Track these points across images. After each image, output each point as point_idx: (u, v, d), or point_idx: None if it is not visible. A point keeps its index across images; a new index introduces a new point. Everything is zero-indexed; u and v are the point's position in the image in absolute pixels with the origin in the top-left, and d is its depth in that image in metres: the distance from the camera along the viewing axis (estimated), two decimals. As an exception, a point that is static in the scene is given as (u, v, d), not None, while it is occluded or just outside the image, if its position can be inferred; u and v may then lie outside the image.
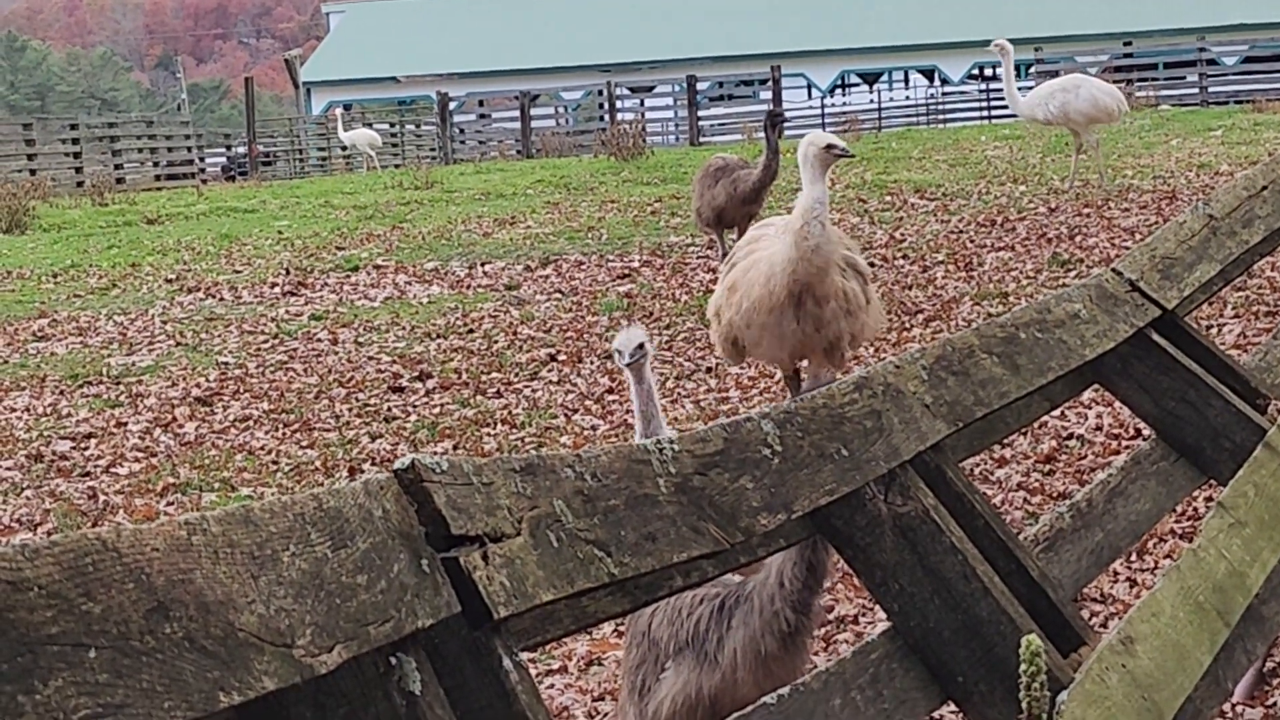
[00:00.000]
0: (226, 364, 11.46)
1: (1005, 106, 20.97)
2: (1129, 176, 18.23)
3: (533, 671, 3.21)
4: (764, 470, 2.74)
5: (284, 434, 9.43)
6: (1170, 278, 4.41)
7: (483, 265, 15.26)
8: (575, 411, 9.53)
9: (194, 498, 8.20)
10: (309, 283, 14.86)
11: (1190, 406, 4.10)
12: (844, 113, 42.49)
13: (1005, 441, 6.96)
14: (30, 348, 12.49)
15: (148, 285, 15.28)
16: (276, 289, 14.59)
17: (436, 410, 9.77)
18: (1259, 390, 4.35)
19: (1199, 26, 46.74)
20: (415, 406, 9.91)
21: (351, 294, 14.22)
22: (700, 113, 37.99)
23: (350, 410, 9.88)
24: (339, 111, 39.86)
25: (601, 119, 40.21)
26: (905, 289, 12.43)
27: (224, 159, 44.32)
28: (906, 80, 56.05)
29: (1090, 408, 8.34)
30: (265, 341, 12.25)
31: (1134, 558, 6.14)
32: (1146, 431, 4.53)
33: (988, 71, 49.19)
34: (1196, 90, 37.73)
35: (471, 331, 12.16)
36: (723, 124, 39.76)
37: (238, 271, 15.85)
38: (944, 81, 52.77)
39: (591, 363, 10.70)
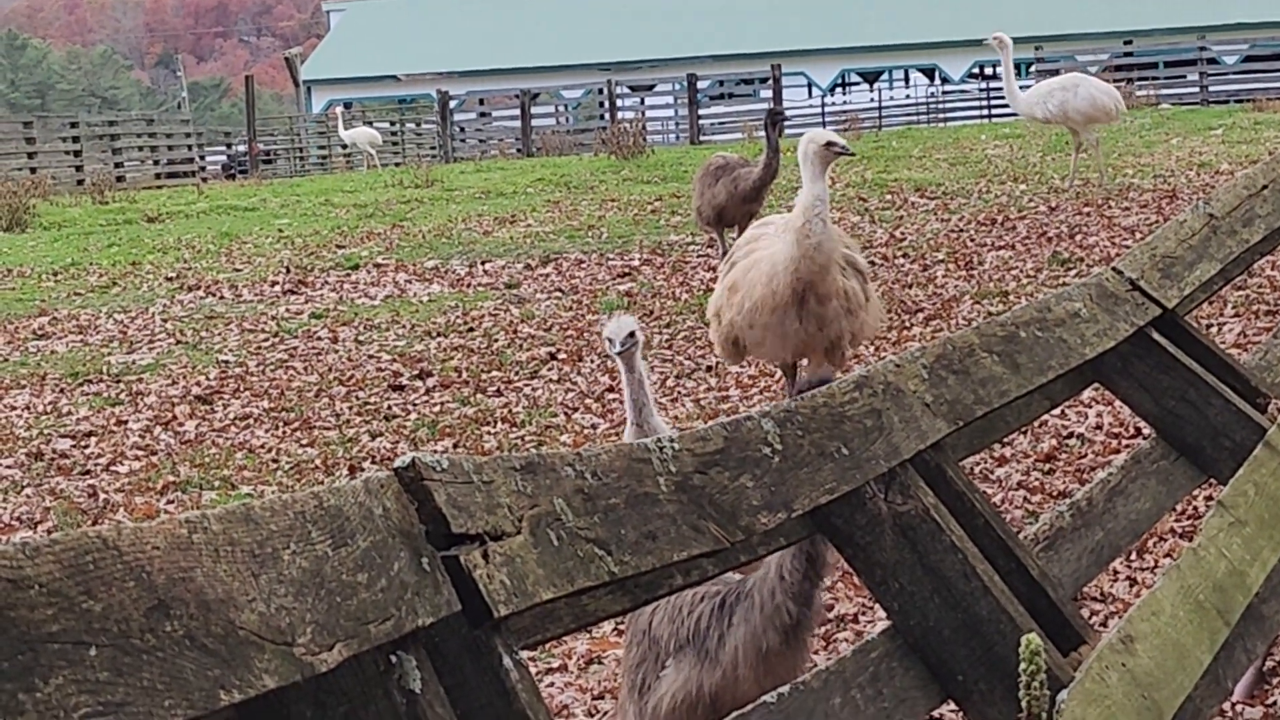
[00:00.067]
0: (227, 362, 11.46)
1: (1006, 105, 20.95)
2: (1129, 175, 18.23)
3: (533, 670, 3.21)
4: (764, 469, 2.74)
5: (284, 432, 9.43)
6: (1171, 277, 4.41)
7: (483, 264, 15.26)
8: (575, 410, 9.53)
9: (194, 496, 8.20)
10: (309, 281, 14.86)
11: (1190, 405, 4.10)
12: (844, 111, 42.47)
13: (1005, 440, 6.96)
14: (30, 346, 12.49)
15: (148, 283, 15.28)
16: (277, 287, 14.59)
17: (437, 409, 9.77)
18: (1259, 389, 4.36)
19: (1199, 25, 46.73)
20: (415, 405, 9.91)
21: (352, 292, 14.22)
22: (700, 111, 37.98)
23: (350, 408, 9.88)
24: (339, 110, 39.86)
25: (602, 117, 40.21)
26: (905, 288, 12.43)
27: (224, 157, 44.29)
28: (907, 79, 56.04)
29: (1090, 406, 8.34)
30: (265, 340, 12.25)
31: (1134, 556, 6.14)
32: (1147, 430, 4.53)
33: (988, 70, 49.17)
34: (1197, 89, 37.73)
35: (472, 330, 12.16)
36: (723, 123, 39.74)
37: (238, 270, 15.85)
38: (944, 80, 52.76)
39: (592, 361, 10.70)
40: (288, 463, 8.74)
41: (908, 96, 52.07)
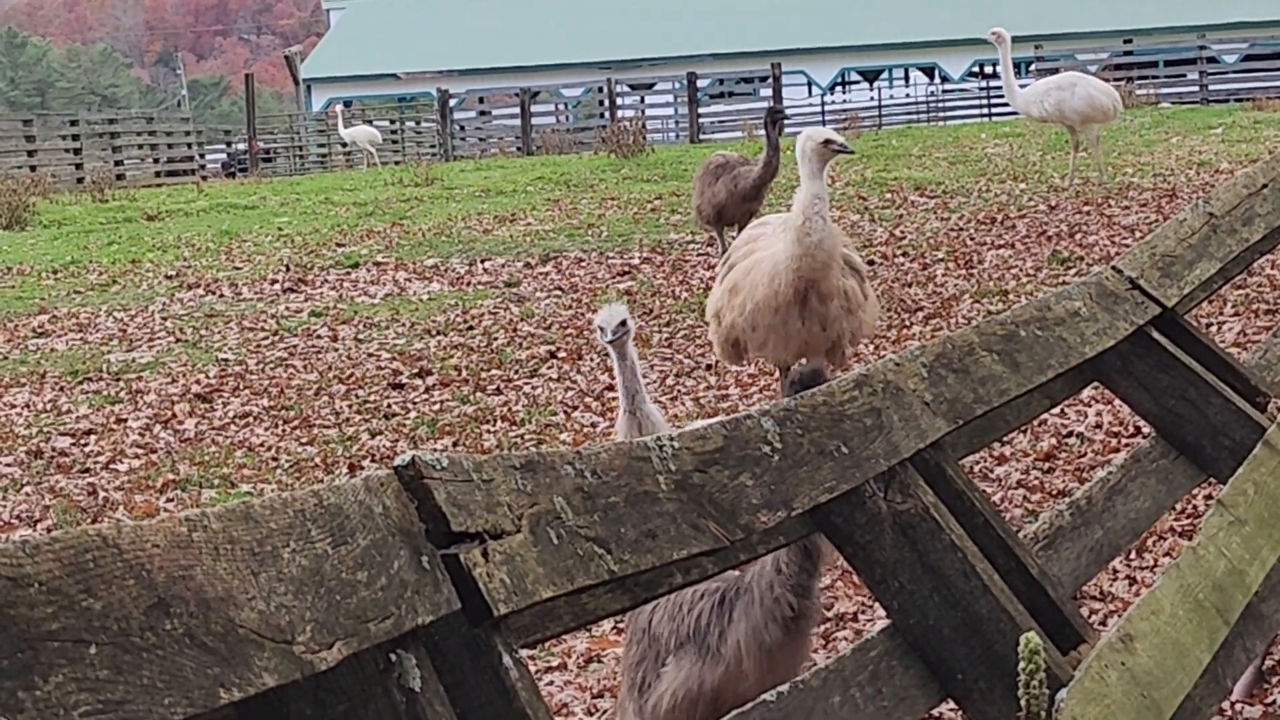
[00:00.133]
0: (226, 360, 11.46)
1: (1006, 104, 20.95)
2: (1129, 174, 18.23)
3: (532, 668, 3.21)
4: (764, 467, 2.74)
5: (284, 431, 9.43)
6: (1170, 275, 4.41)
7: (483, 262, 15.26)
8: (575, 408, 9.53)
9: (194, 494, 8.20)
10: (309, 279, 14.86)
11: (1190, 404, 4.10)
12: (844, 110, 42.46)
13: (1005, 439, 6.96)
14: (30, 344, 12.49)
15: (148, 281, 15.28)
16: (276, 285, 14.59)
17: (436, 407, 9.77)
18: (1259, 388, 4.36)
19: (1199, 24, 46.74)
20: (415, 403, 9.91)
21: (351, 291, 14.22)
22: (700, 110, 37.98)
23: (350, 407, 9.88)
24: (339, 108, 39.81)
25: (602, 116, 40.21)
26: (905, 286, 12.43)
27: (224, 155, 44.29)
28: (907, 78, 56.03)
29: (1090, 405, 8.34)
30: (265, 338, 12.25)
31: (1133, 555, 6.14)
32: (1146, 429, 4.53)
33: (988, 69, 49.15)
34: (1197, 88, 37.73)
35: (471, 328, 12.16)
36: (723, 121, 39.73)
37: (238, 268, 15.85)
38: (944, 79, 52.76)
39: (591, 360, 10.70)
40: (287, 461, 8.75)
41: (907, 95, 52.06)
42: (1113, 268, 4.31)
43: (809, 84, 52.55)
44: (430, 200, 21.02)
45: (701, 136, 36.31)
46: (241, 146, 41.98)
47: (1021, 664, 2.69)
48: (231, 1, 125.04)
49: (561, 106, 49.36)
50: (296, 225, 19.05)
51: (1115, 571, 5.99)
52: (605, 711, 5.23)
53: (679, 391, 9.74)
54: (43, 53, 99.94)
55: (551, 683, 5.47)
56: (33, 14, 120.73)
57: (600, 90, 42.61)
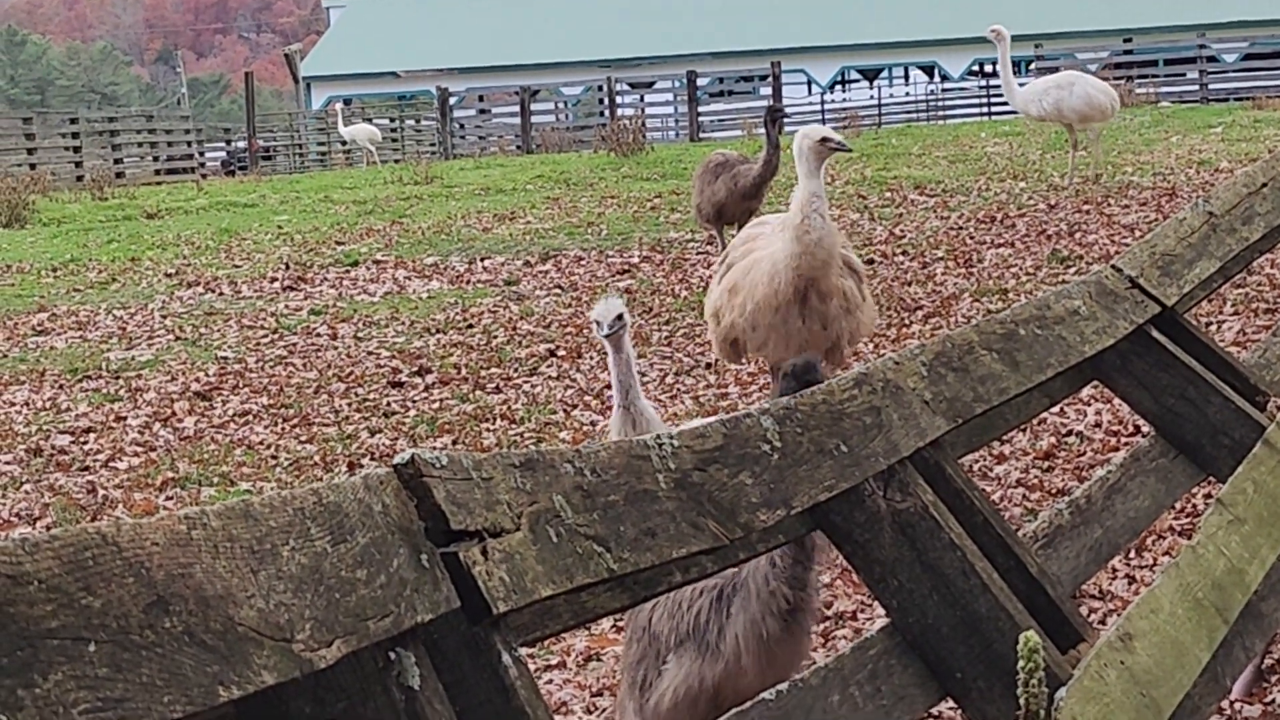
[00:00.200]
0: (226, 359, 11.46)
1: (1005, 103, 20.96)
2: (1129, 173, 18.23)
3: (531, 667, 3.21)
4: (763, 466, 2.74)
5: (283, 429, 9.43)
6: (1170, 274, 4.41)
7: (482, 260, 15.26)
8: (574, 407, 9.53)
9: (193, 492, 8.20)
10: (308, 277, 14.86)
11: (1189, 403, 4.10)
12: (844, 109, 42.45)
13: (1004, 438, 6.96)
14: (29, 342, 12.49)
15: (147, 280, 15.28)
16: (276, 284, 14.59)
17: (436, 405, 9.77)
18: (1258, 387, 4.36)
19: (1199, 23, 46.74)
20: (414, 401, 9.91)
21: (351, 289, 14.22)
22: (700, 108, 37.97)
23: (349, 405, 9.88)
24: (339, 106, 39.79)
25: (601, 114, 40.19)
26: (905, 285, 12.43)
27: (224, 153, 44.27)
28: (906, 76, 56.03)
29: (1089, 404, 8.35)
30: (264, 336, 12.25)
31: (1133, 554, 6.14)
32: (1146, 428, 4.53)
33: (988, 68, 49.14)
34: (1197, 87, 37.73)
35: (471, 327, 12.16)
36: (723, 120, 39.72)
37: (237, 266, 15.85)
38: (944, 78, 52.75)
39: (591, 358, 10.70)
40: (287, 459, 8.75)
41: (907, 94, 52.03)
42: (1112, 266, 4.31)
43: (809, 83, 52.54)
44: (430, 198, 21.02)
45: (701, 135, 36.30)
46: (241, 144, 41.97)
47: (1020, 662, 2.69)
48: (231, 0, 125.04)
49: (561, 105, 49.34)
50: (296, 223, 19.04)
51: (1114, 570, 5.99)
52: (604, 709, 5.23)
53: (679, 390, 9.74)
54: (42, 51, 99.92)
55: (551, 681, 5.47)
56: (33, 12, 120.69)
57: (600, 89, 42.58)
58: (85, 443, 9.32)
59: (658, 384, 9.86)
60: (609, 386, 9.85)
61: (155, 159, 38.63)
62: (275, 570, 1.81)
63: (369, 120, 38.66)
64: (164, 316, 13.26)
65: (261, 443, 9.14)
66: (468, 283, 14.21)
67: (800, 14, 53.91)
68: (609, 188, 20.90)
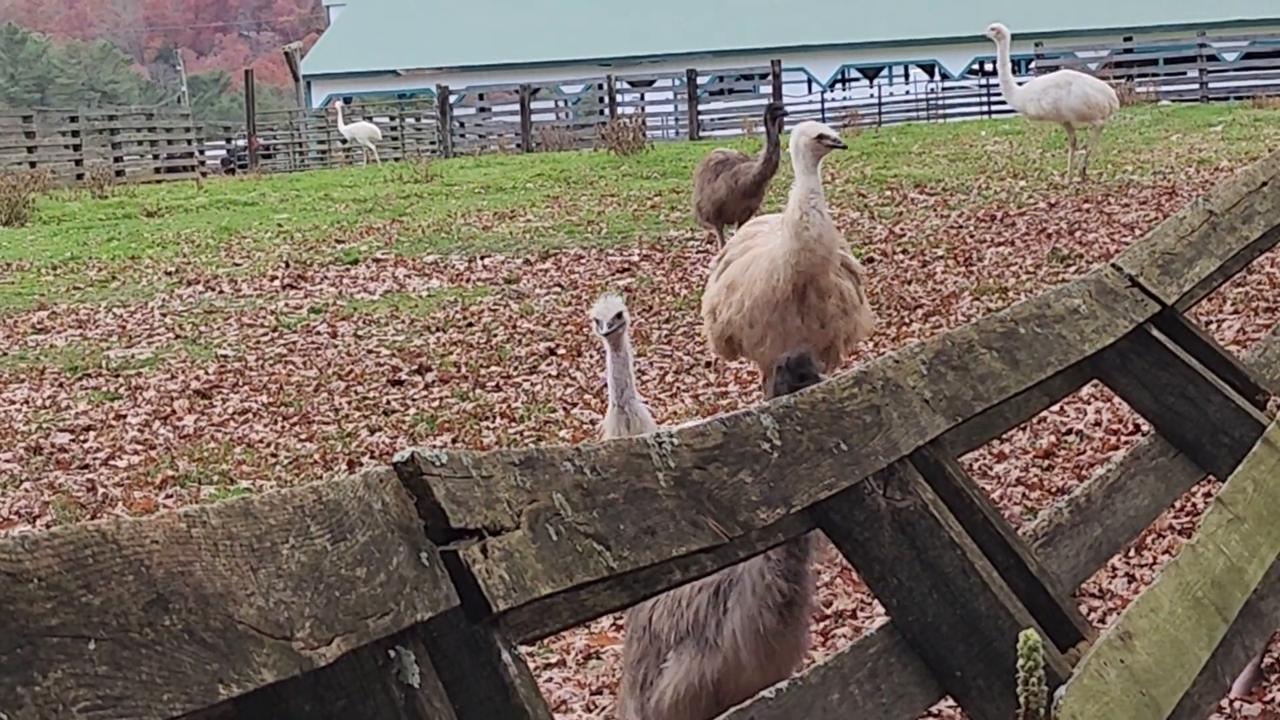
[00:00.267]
0: (226, 357, 11.46)
1: (1005, 102, 20.96)
2: (1129, 172, 18.23)
3: (531, 665, 3.21)
4: (763, 464, 2.74)
5: (283, 427, 9.43)
6: (1170, 273, 4.41)
7: (482, 259, 15.26)
8: (574, 405, 9.53)
9: (193, 490, 8.20)
10: (308, 276, 14.86)
11: (1189, 402, 4.10)
12: (844, 107, 42.44)
13: (1004, 437, 6.96)
14: (29, 340, 12.49)
15: (147, 278, 15.28)
16: (276, 282, 14.59)
17: (435, 404, 9.77)
18: (1258, 386, 4.36)
19: (1199, 22, 46.73)
20: (414, 400, 9.91)
21: (351, 287, 14.22)
22: (700, 107, 37.97)
23: (349, 403, 9.88)
24: (339, 104, 39.78)
25: (601, 113, 40.20)
26: (905, 284, 12.43)
27: (224, 152, 44.26)
28: (906, 75, 56.03)
29: (1089, 403, 8.35)
30: (264, 334, 12.25)
31: (1133, 553, 6.14)
32: (1145, 427, 4.53)
33: (988, 67, 49.13)
34: (1197, 86, 37.74)
35: (471, 325, 12.16)
36: (723, 118, 39.73)
37: (237, 264, 15.85)
38: (944, 76, 52.76)
39: (591, 356, 10.70)
40: (286, 457, 8.75)
41: (907, 92, 52.04)
42: (1112, 265, 4.31)
43: (809, 81, 52.54)
44: (430, 197, 21.02)
45: (701, 133, 36.30)
46: (241, 143, 41.95)
47: (1020, 661, 2.69)
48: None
49: (561, 103, 49.33)
50: (296, 222, 19.04)
51: (1114, 569, 5.99)
52: (604, 708, 5.23)
53: (678, 388, 9.74)
54: (43, 49, 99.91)
55: (550, 679, 5.47)
56: (33, 10, 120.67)
57: (600, 87, 42.57)
58: (85, 441, 9.32)
59: (657, 382, 9.86)
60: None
61: (155, 157, 38.63)
62: (275, 568, 1.81)
63: (369, 118, 38.67)
64: (164, 315, 13.26)
65: (261, 441, 9.14)
66: (467, 281, 14.21)
67: (800, 12, 53.91)
68: (609, 186, 20.90)
